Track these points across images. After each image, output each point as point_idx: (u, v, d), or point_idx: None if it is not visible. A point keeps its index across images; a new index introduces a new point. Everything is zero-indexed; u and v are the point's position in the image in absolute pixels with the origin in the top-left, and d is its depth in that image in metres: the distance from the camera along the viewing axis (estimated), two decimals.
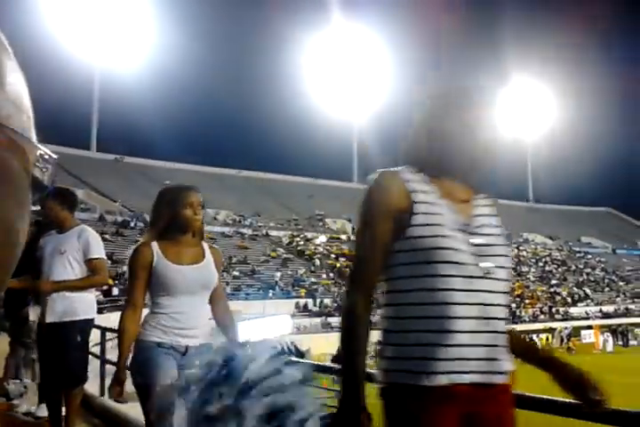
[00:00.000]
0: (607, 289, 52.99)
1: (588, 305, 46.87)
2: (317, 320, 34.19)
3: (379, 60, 75.99)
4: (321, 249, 47.52)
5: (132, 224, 41.23)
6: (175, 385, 1.23)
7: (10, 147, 0.42)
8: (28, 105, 0.46)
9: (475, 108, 1.62)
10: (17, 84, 0.44)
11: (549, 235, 65.06)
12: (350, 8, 78.74)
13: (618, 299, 50.20)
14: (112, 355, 7.05)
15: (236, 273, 37.46)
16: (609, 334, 36.37)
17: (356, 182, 76.57)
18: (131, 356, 2.86)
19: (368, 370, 1.54)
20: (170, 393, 1.22)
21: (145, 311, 2.94)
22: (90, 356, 4.81)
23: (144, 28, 64.62)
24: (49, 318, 4.05)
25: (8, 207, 0.43)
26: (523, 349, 1.71)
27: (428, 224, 1.54)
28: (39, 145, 0.46)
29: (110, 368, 6.36)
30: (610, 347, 34.14)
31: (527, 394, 2.03)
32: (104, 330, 6.41)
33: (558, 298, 47.30)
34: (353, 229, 55.28)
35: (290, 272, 41.57)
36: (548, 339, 35.32)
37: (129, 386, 2.87)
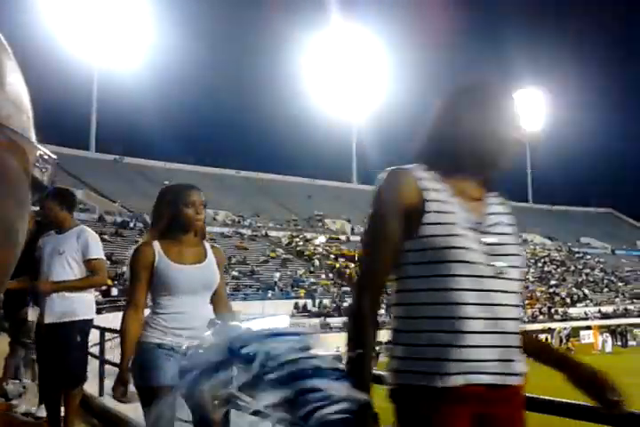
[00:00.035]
0: (606, 290, 52.98)
1: (587, 306, 46.85)
2: (316, 321, 34.17)
3: (378, 61, 75.98)
4: (320, 249, 47.51)
5: (132, 225, 41.21)
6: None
7: (9, 147, 0.42)
8: (28, 105, 0.46)
9: (493, 106, 1.59)
10: (17, 83, 0.44)
11: (548, 235, 65.07)
12: (349, 8, 78.79)
13: (617, 299, 50.21)
14: (111, 355, 7.06)
15: (235, 273, 37.44)
16: (608, 334, 36.38)
17: (355, 183, 76.57)
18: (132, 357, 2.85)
19: (376, 372, 1.52)
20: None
21: (146, 312, 2.92)
22: (89, 356, 4.80)
23: (143, 28, 64.57)
24: (48, 319, 4.05)
25: (7, 207, 0.43)
26: (536, 349, 1.68)
27: (439, 223, 1.52)
28: (39, 145, 0.46)
29: (109, 368, 6.36)
30: (609, 347, 34.16)
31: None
32: (103, 330, 6.42)
33: (557, 298, 47.29)
34: (352, 229, 55.30)
35: (289, 273, 41.56)
36: (546, 339, 35.23)
37: (131, 386, 2.87)
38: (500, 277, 1.51)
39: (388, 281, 1.58)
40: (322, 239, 50.32)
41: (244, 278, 37.88)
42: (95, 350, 6.37)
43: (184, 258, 2.87)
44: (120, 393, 2.77)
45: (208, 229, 3.18)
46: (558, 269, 55.79)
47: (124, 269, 30.91)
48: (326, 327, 33.48)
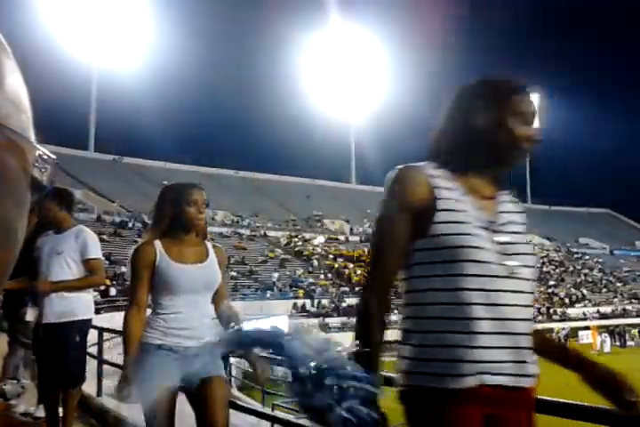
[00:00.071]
0: (605, 290, 53.05)
1: (585, 306, 46.92)
2: (315, 321, 34.15)
3: (377, 61, 76.01)
4: (319, 250, 47.50)
5: (130, 225, 41.21)
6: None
7: (9, 147, 0.42)
8: (27, 105, 0.46)
9: (505, 102, 1.55)
10: (16, 83, 0.44)
11: (547, 236, 65.10)
12: (348, 8, 78.81)
13: (615, 300, 50.29)
14: (109, 355, 7.05)
15: (233, 273, 37.42)
16: (606, 334, 36.36)
17: (354, 183, 76.59)
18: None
19: (384, 373, 1.49)
20: None
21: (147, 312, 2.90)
22: (87, 356, 4.80)
23: (142, 28, 64.55)
24: (47, 319, 4.05)
25: (7, 207, 0.43)
26: (550, 349, 1.65)
27: (451, 222, 1.49)
28: (38, 145, 0.46)
29: (108, 368, 6.36)
30: (607, 348, 34.14)
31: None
32: (101, 330, 6.41)
33: (556, 299, 47.32)
34: (351, 229, 55.34)
35: (288, 273, 41.56)
36: None
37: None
38: (512, 277, 1.48)
39: (397, 280, 1.56)
40: (320, 239, 50.32)
41: (242, 279, 37.87)
42: (93, 349, 6.36)
43: (185, 257, 2.83)
44: (124, 393, 2.73)
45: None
46: (557, 270, 55.83)
47: (123, 269, 30.87)
48: (325, 327, 33.49)
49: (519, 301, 1.48)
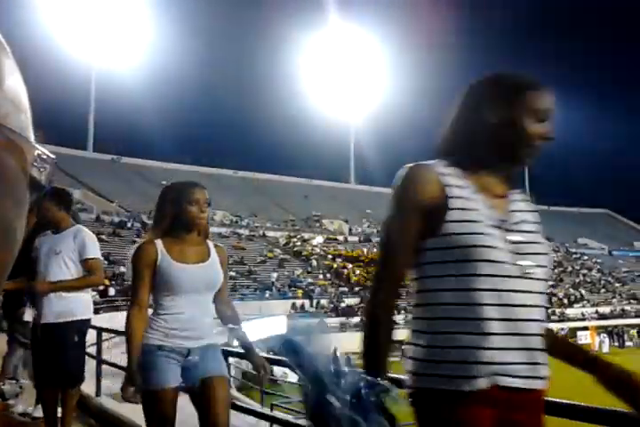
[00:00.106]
0: (603, 290, 53.07)
1: (584, 306, 46.94)
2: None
3: (376, 61, 76.03)
4: (318, 250, 47.50)
5: (129, 225, 41.19)
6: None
7: (7, 146, 0.42)
8: (27, 104, 0.46)
9: (518, 99, 1.51)
10: (15, 83, 0.44)
11: (546, 236, 64.32)
12: (348, 9, 78.85)
13: (614, 300, 50.31)
14: (108, 355, 7.04)
15: (232, 273, 37.35)
16: (605, 335, 36.40)
17: (352, 183, 76.60)
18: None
19: (392, 375, 1.47)
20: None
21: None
22: (86, 356, 4.79)
23: (141, 28, 64.56)
24: (45, 319, 4.04)
25: (6, 207, 0.42)
26: (563, 349, 1.61)
27: (463, 220, 1.45)
28: (37, 145, 0.46)
29: (106, 368, 6.36)
30: (606, 348, 34.15)
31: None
32: (100, 330, 6.41)
33: (554, 299, 47.33)
34: (350, 229, 55.35)
35: (286, 273, 41.55)
36: None
37: None
38: (525, 277, 1.45)
39: (406, 280, 1.53)
40: (319, 239, 50.32)
41: (241, 279, 37.85)
42: (92, 350, 6.35)
43: (187, 257, 2.80)
44: (129, 394, 2.71)
45: None
46: (555, 270, 55.78)
47: (122, 269, 30.84)
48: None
49: (532, 301, 1.45)
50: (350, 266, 44.38)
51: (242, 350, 3.10)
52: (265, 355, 3.11)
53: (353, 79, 76.27)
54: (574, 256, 62.09)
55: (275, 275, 39.80)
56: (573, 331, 37.72)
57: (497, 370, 1.38)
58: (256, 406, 7.86)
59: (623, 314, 46.39)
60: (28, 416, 4.98)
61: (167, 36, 72.11)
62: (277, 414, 5.92)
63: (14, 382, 5.56)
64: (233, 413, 3.42)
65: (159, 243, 2.79)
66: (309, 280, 40.86)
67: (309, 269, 43.46)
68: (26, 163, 0.44)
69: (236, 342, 3.39)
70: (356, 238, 53.37)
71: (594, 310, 46.30)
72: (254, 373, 3.03)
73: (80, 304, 4.15)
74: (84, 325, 4.24)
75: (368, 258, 46.39)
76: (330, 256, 46.37)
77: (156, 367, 2.68)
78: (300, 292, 38.02)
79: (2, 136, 0.42)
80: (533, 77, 1.55)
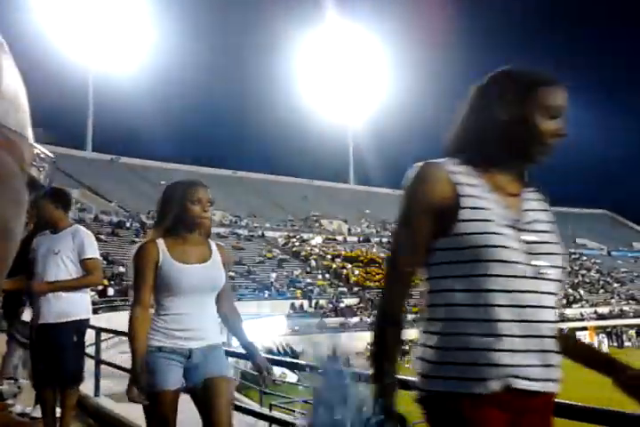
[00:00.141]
0: (602, 291, 53.11)
1: (582, 307, 46.95)
2: (314, 321, 34.15)
3: (376, 62, 76.08)
4: (317, 250, 47.50)
5: (128, 224, 41.19)
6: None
7: (7, 145, 0.42)
8: (26, 104, 0.46)
9: (531, 95, 1.47)
10: (14, 83, 0.44)
11: None
12: (348, 9, 78.92)
13: (613, 300, 50.34)
14: (107, 355, 7.05)
15: (231, 274, 37.30)
16: (604, 335, 36.46)
17: (351, 183, 76.62)
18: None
19: (402, 377, 1.46)
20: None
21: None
22: (85, 356, 4.79)
23: (139, 29, 64.57)
24: (44, 319, 4.04)
25: (4, 206, 0.42)
26: (579, 351, 1.58)
27: (475, 220, 1.41)
28: (36, 144, 0.46)
29: (105, 369, 6.36)
30: (605, 348, 34.15)
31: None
32: (99, 330, 6.41)
33: None
34: (349, 230, 55.35)
35: (285, 273, 41.54)
36: None
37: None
38: (539, 278, 1.41)
39: (416, 280, 1.50)
40: (318, 240, 50.33)
41: (240, 279, 37.84)
42: (91, 350, 6.35)
43: (189, 257, 2.76)
44: (134, 394, 2.65)
45: None
46: None
47: (121, 269, 30.83)
48: (323, 328, 33.48)
49: (545, 302, 1.42)
50: (349, 266, 44.38)
51: (240, 350, 3.09)
52: (265, 355, 3.10)
53: (352, 79, 76.30)
54: (573, 256, 62.04)
55: (273, 275, 39.79)
56: (572, 331, 37.63)
57: (511, 372, 1.36)
58: (255, 407, 7.86)
59: (622, 314, 46.41)
60: (26, 416, 4.97)
61: (167, 36, 72.15)
62: (276, 414, 5.91)
63: (13, 382, 5.55)
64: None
65: (161, 242, 2.75)
66: (308, 280, 40.85)
67: (308, 269, 43.45)
68: (24, 162, 0.44)
69: (234, 343, 3.38)
70: (354, 238, 53.40)
71: (592, 310, 46.32)
72: (253, 373, 3.03)
73: (79, 304, 4.15)
74: (83, 325, 4.24)
75: (367, 258, 46.41)
76: (329, 256, 46.37)
77: (156, 369, 2.66)
78: (298, 292, 38.02)
79: (1, 135, 0.42)
80: (547, 73, 1.51)
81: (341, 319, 34.48)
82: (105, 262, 27.11)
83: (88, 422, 5.35)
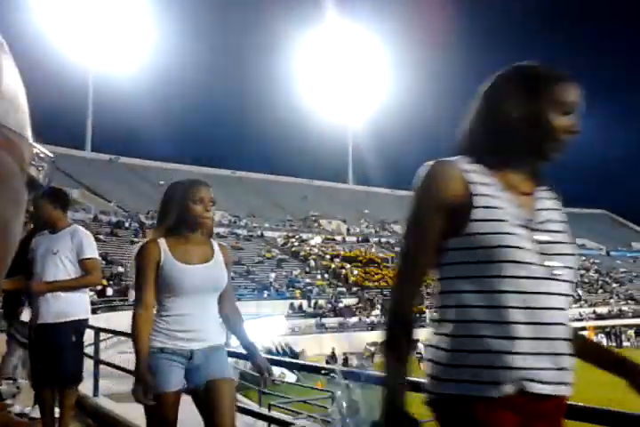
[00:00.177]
0: (601, 291, 53.18)
1: (581, 307, 46.97)
2: (312, 321, 34.17)
3: (376, 62, 76.09)
4: (316, 250, 47.50)
5: (127, 224, 41.18)
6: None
7: (6, 145, 0.42)
8: (25, 104, 0.46)
9: (544, 91, 1.44)
10: (14, 83, 0.44)
11: None
12: (348, 9, 78.94)
13: (611, 300, 50.41)
14: (106, 355, 7.04)
15: (230, 274, 37.39)
16: (603, 335, 36.49)
17: (351, 183, 76.62)
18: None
19: (412, 379, 1.44)
20: None
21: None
22: (84, 356, 4.79)
23: (139, 29, 64.56)
24: (43, 319, 4.03)
25: (4, 206, 0.42)
26: (592, 352, 1.56)
27: (488, 220, 1.38)
28: (35, 144, 0.46)
29: (104, 368, 6.35)
30: None
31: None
32: (98, 330, 6.40)
33: None
34: (348, 230, 55.34)
35: (284, 273, 41.55)
36: None
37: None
38: (552, 279, 1.38)
39: (427, 280, 1.48)
40: (317, 240, 50.33)
41: (239, 279, 37.83)
42: (90, 350, 6.35)
43: (191, 257, 2.74)
44: (140, 396, 2.62)
45: None
46: None
47: (120, 269, 30.81)
48: (322, 328, 33.50)
49: (558, 304, 1.39)
50: (348, 266, 44.39)
51: (240, 351, 3.08)
52: (265, 355, 3.09)
53: (352, 79, 76.31)
54: None
55: (273, 275, 39.80)
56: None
57: (525, 375, 1.33)
58: (254, 407, 7.86)
59: (621, 314, 46.47)
60: (25, 416, 4.96)
61: (167, 36, 72.16)
62: (275, 414, 5.91)
63: (12, 382, 5.55)
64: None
65: (162, 242, 2.73)
66: (307, 280, 40.86)
67: (307, 269, 43.46)
68: (24, 162, 0.44)
69: (234, 343, 3.37)
70: (354, 239, 53.41)
71: (591, 310, 46.37)
72: (252, 373, 3.03)
73: (77, 304, 4.14)
74: (82, 325, 4.24)
75: (366, 258, 46.43)
76: (328, 256, 46.37)
77: (158, 370, 2.64)
78: (297, 292, 38.02)
79: (1, 135, 0.42)
80: (559, 69, 1.48)
81: (340, 319, 34.49)
82: (104, 262, 27.09)
83: (87, 423, 5.34)
